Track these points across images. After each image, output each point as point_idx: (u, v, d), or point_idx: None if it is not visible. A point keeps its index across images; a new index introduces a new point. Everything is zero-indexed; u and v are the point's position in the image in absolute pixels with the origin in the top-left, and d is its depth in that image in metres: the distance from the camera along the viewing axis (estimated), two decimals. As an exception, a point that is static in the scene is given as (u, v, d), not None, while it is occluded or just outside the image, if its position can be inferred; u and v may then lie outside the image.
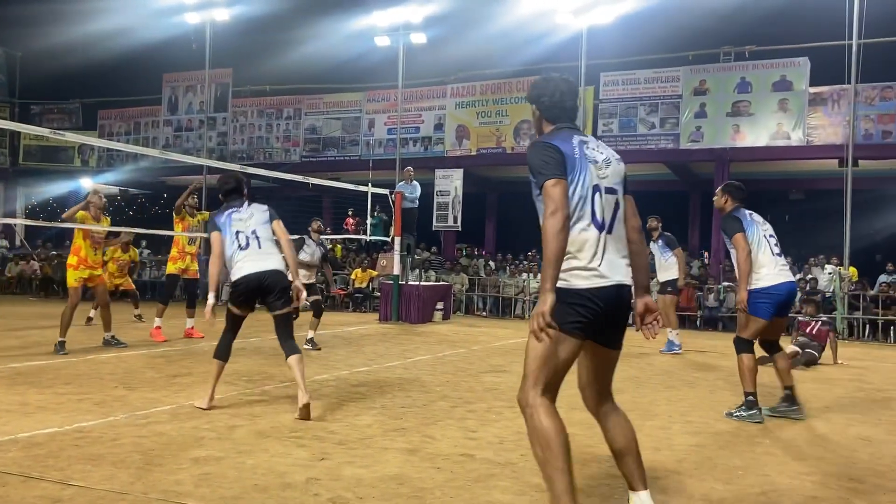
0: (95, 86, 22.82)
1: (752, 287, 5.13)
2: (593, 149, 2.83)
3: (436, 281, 15.38)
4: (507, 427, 4.74)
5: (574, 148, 2.74)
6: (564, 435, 2.62)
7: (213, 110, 20.81)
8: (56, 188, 23.80)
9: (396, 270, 12.79)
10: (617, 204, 2.82)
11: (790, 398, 5.33)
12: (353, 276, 16.25)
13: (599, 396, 2.93)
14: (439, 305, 13.35)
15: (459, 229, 17.35)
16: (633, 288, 2.82)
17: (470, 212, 18.11)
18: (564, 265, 2.61)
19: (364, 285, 15.95)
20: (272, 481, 3.45)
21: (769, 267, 5.15)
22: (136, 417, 4.71)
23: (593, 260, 2.69)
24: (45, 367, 6.71)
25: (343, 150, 19.82)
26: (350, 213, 18.64)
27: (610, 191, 2.79)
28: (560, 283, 2.58)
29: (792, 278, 5.39)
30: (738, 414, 5.19)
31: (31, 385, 5.74)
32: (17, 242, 21.87)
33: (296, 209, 16.91)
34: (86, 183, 22.57)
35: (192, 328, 9.46)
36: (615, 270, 2.73)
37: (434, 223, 17.52)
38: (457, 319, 14.23)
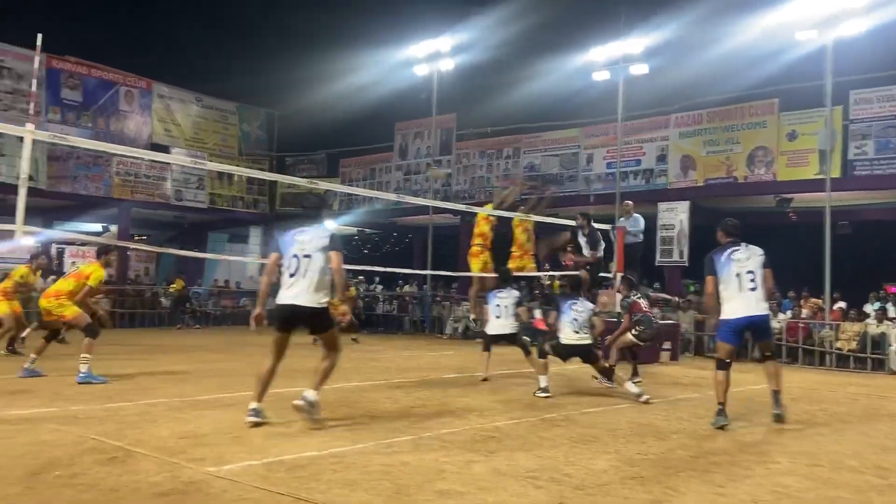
0: (338, 137, 25.36)
1: (720, 317, 6.31)
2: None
3: (661, 319, 14.67)
4: (759, 485, 4.33)
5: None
6: None
7: (439, 153, 22.05)
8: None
9: (619, 308, 12.41)
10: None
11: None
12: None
13: None
14: (666, 345, 12.71)
15: (686, 264, 16.48)
16: None
17: (697, 246, 17.14)
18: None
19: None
20: (514, 522, 3.46)
21: (734, 301, 6.21)
22: (381, 446, 5.02)
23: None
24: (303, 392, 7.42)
25: (561, 185, 19.88)
26: (569, 248, 18.51)
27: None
28: None
29: (756, 312, 6.23)
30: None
31: (290, 410, 6.36)
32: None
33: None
34: (329, 224, 24.99)
35: None
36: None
37: (658, 258, 16.84)
38: (685, 360, 13.42)
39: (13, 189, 7.15)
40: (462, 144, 22.10)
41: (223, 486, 3.92)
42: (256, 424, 5.52)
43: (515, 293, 9.11)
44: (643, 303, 9.12)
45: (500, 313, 8.95)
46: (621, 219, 13.08)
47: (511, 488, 4.05)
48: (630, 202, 13.23)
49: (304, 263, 5.50)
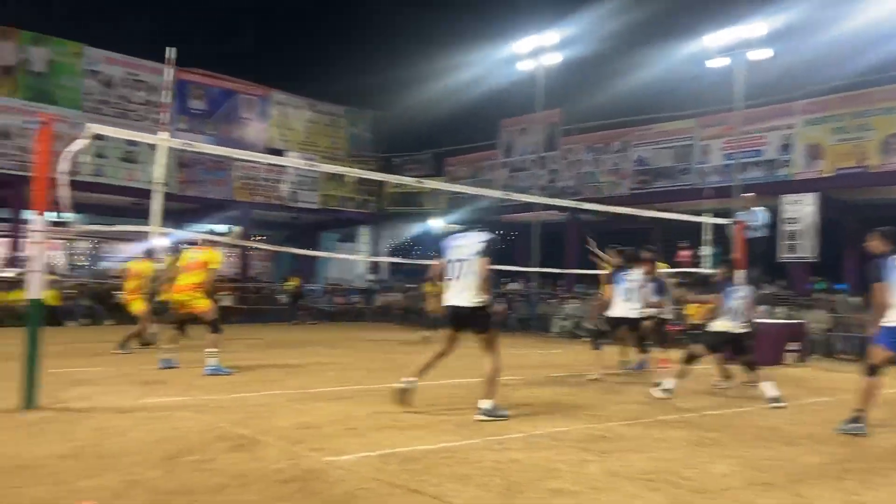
0: (443, 136, 25.69)
1: (884, 323, 5.81)
2: None
3: (786, 318, 13.86)
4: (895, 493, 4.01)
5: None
6: None
7: (544, 150, 21.85)
8: (412, 229, 27.15)
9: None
10: None
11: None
12: (688, 312, 15.44)
13: None
14: (792, 346, 11.98)
15: (815, 260, 15.48)
16: None
17: (824, 240, 16.08)
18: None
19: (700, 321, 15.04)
20: (631, 523, 3.37)
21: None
22: (491, 442, 5.03)
23: None
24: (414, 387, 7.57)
25: (674, 179, 19.17)
26: (684, 245, 17.84)
27: None
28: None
29: None
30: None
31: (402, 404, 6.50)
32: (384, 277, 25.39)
33: (627, 242, 16.74)
34: (435, 223, 25.39)
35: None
36: None
37: (781, 254, 15.91)
38: (814, 362, 12.60)
39: (147, 193, 7.70)
40: (568, 139, 21.77)
41: (340, 475, 4.06)
42: (404, 391, 6.05)
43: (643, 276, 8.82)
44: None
45: (629, 296, 8.65)
46: (741, 211, 12.44)
47: (625, 489, 3.95)
48: (752, 194, 12.55)
49: (458, 267, 6.00)
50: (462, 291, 5.92)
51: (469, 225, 6.42)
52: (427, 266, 7.59)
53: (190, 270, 8.72)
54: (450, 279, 6.02)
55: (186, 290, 8.57)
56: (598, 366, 8.74)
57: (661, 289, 9.52)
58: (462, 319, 5.97)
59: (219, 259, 8.67)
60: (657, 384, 7.47)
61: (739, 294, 7.47)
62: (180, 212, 22.48)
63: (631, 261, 9.07)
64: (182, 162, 21.03)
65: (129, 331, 10.72)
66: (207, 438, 4.89)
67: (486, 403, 5.81)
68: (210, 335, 8.36)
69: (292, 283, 21.65)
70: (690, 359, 7.43)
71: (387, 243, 27.90)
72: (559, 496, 3.78)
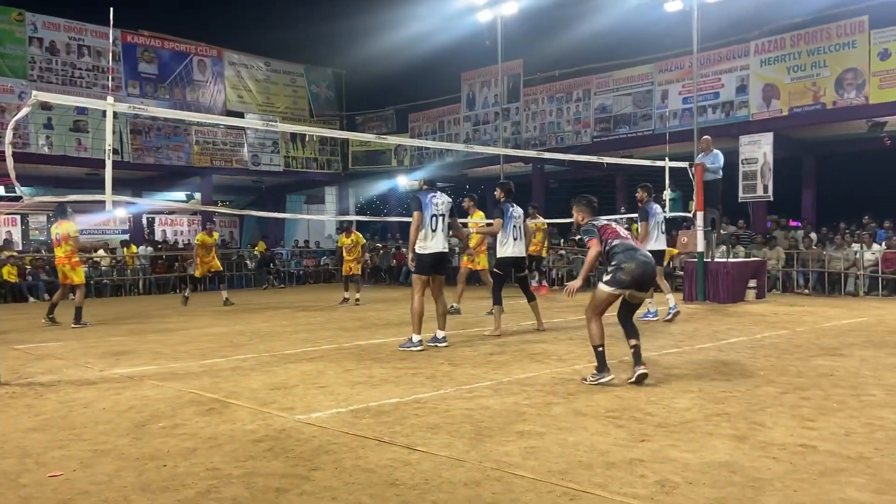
0: (405, 92, 25.32)
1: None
2: None
3: (746, 257, 14.19)
4: (852, 417, 4.19)
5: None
6: None
7: (507, 101, 21.69)
8: (378, 187, 26.96)
9: (700, 247, 12.07)
10: None
11: None
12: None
13: None
14: (752, 283, 12.29)
15: (771, 199, 15.77)
16: None
17: (782, 179, 16.36)
18: None
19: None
20: (595, 459, 3.48)
21: None
22: (462, 391, 5.12)
23: None
24: (383, 344, 7.65)
25: (635, 125, 19.23)
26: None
27: None
28: None
29: None
30: None
31: (374, 360, 6.58)
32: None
33: (590, 190, 16.84)
34: (401, 180, 25.22)
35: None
36: None
37: (740, 194, 16.18)
38: (773, 298, 12.97)
39: (101, 163, 7.51)
40: (530, 90, 21.64)
41: (312, 432, 4.10)
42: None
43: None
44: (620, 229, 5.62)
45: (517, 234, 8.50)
46: (700, 155, 12.59)
47: (592, 427, 4.07)
48: (709, 137, 12.69)
49: (441, 221, 7.19)
50: (444, 240, 7.20)
51: (436, 184, 7.51)
52: (395, 223, 8.08)
53: (58, 244, 10.15)
54: (433, 230, 7.10)
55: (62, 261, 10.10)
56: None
57: None
58: (442, 263, 7.26)
59: (74, 229, 10.05)
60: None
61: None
62: (138, 180, 22.01)
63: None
64: (136, 128, 20.46)
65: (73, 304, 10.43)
66: (177, 404, 4.89)
67: (441, 333, 7.25)
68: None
69: (259, 247, 21.49)
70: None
71: (354, 202, 27.69)
72: (526, 437, 3.87)
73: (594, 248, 5.31)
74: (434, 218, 7.11)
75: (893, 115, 14.92)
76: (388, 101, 25.86)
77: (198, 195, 23.76)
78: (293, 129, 19.97)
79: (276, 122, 21.89)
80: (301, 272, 22.07)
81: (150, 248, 20.31)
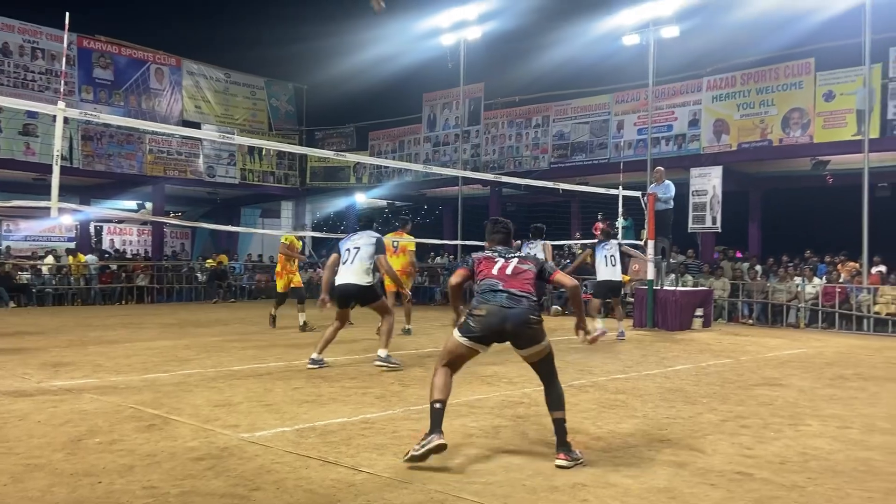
0: (366, 110, 25.33)
1: None
2: None
3: (694, 286, 14.53)
4: (788, 447, 4.31)
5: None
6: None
7: (468, 124, 21.91)
8: (336, 204, 26.81)
9: (650, 275, 12.33)
10: None
11: None
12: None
13: None
14: (698, 312, 12.58)
15: (719, 230, 16.21)
16: None
17: (730, 212, 16.84)
18: None
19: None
20: (540, 483, 3.51)
21: None
22: (411, 412, 5.10)
23: None
24: (332, 363, 7.57)
25: (591, 153, 19.62)
26: (600, 217, 18.36)
27: None
28: None
29: None
30: None
31: (323, 379, 6.50)
32: (307, 253, 25.00)
33: (546, 215, 17.08)
34: (359, 198, 25.14)
35: None
36: None
37: (690, 225, 16.59)
38: (718, 327, 13.30)
39: (49, 168, 7.31)
40: (490, 114, 21.90)
41: (256, 450, 4.03)
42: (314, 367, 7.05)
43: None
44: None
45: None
46: (652, 185, 12.90)
47: (537, 451, 4.10)
48: (661, 168, 13.03)
49: (352, 253, 7.21)
50: (354, 274, 7.17)
51: (364, 226, 7.54)
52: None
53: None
54: (343, 263, 7.22)
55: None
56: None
57: None
58: (352, 296, 7.21)
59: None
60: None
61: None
62: (88, 187, 21.44)
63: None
64: (87, 134, 19.97)
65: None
66: (116, 419, 4.75)
67: (383, 352, 7.14)
68: None
69: (212, 261, 21.06)
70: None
71: (310, 218, 27.46)
72: (473, 461, 3.88)
73: (454, 277, 4.40)
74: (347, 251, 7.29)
75: (836, 154, 15.56)
76: (349, 118, 25.84)
77: (149, 205, 23.26)
78: (251, 143, 19.74)
79: (233, 134, 21.61)
80: (252, 287, 21.72)
81: (94, 257, 19.78)
